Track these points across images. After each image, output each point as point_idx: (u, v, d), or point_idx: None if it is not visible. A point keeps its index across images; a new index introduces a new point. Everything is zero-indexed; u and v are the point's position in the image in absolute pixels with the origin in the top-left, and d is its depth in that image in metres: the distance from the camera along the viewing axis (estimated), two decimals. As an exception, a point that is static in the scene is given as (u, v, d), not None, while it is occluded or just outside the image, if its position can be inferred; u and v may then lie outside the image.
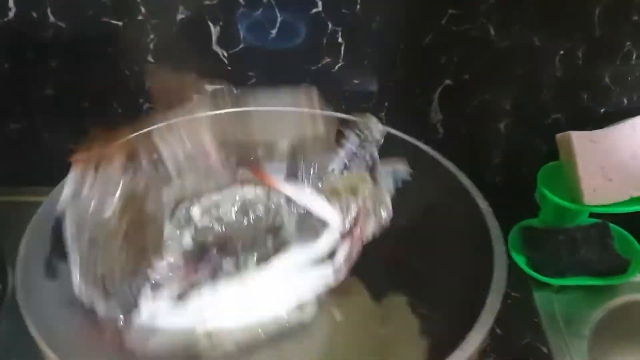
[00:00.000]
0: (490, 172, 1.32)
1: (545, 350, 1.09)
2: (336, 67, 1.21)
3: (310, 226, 0.82)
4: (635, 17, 1.12)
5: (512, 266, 1.19)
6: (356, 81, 1.21)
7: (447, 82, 1.21)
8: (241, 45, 1.19)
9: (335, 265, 0.81)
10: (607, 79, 1.19)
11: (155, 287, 0.75)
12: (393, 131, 0.98)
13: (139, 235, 0.77)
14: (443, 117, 1.24)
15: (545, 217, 1.26)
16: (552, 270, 1.18)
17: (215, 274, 0.77)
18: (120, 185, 0.77)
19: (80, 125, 0.97)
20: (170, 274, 0.75)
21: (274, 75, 1.22)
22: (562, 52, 1.16)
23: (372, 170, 0.91)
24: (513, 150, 1.28)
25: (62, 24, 1.16)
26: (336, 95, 1.22)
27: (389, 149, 0.96)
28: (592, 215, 1.24)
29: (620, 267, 1.18)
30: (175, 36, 1.18)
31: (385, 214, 0.87)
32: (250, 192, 0.82)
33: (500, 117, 1.24)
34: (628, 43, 1.15)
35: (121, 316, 0.74)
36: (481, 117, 1.24)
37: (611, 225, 1.24)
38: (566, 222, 1.23)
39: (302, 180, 0.85)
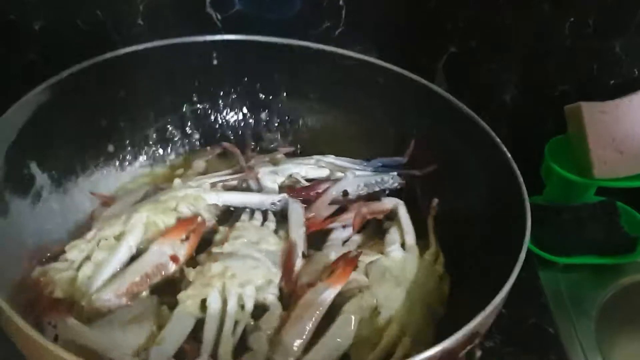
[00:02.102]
0: None
1: (551, 330, 1.04)
2: (336, 33, 1.15)
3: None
4: (650, -15, 1.05)
5: None
6: (357, 48, 1.15)
7: (452, 49, 1.15)
8: (236, 8, 1.12)
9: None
10: (617, 49, 1.12)
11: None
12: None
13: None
14: (448, 87, 1.18)
15: (550, 193, 1.21)
16: (557, 248, 1.14)
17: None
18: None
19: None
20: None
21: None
22: (572, 19, 1.10)
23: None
24: (518, 124, 1.22)
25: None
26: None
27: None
28: (598, 193, 1.20)
29: (627, 246, 1.15)
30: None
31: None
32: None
33: (506, 88, 1.19)
34: (641, 11, 1.08)
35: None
36: (487, 88, 1.19)
37: (618, 203, 1.19)
38: (572, 199, 1.18)
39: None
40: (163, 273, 0.82)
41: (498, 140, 0.94)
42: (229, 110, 1.18)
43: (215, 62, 1.11)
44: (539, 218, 1.12)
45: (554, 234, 1.15)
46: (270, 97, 1.17)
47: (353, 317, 0.78)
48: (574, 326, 1.08)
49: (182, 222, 0.88)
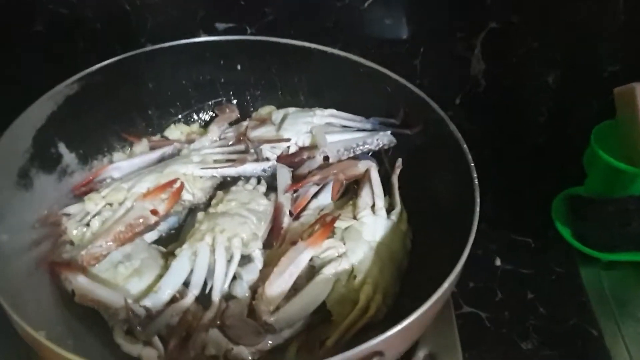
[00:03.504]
0: (534, 132, 1.18)
1: (594, 332, 0.99)
2: (365, 5, 1.07)
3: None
4: None
5: (556, 238, 1.11)
6: (387, 22, 1.09)
7: (492, 25, 1.07)
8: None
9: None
10: (676, 27, 1.03)
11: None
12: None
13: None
14: (486, 66, 1.11)
15: (593, 184, 1.12)
16: (601, 243, 1.08)
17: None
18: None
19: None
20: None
21: (293, 12, 1.09)
22: (629, -7, 1.01)
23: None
24: (561, 107, 1.14)
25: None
26: (364, 38, 1.10)
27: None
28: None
29: (677, 242, 1.07)
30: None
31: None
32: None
33: (549, 68, 1.10)
34: None
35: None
36: (528, 68, 1.11)
37: (668, 196, 1.10)
38: (618, 191, 1.08)
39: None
40: (145, 223, 0.93)
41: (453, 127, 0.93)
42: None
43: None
44: (580, 210, 1.13)
45: (596, 228, 1.09)
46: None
47: (329, 277, 0.87)
48: (619, 328, 1.00)
49: (162, 184, 0.98)
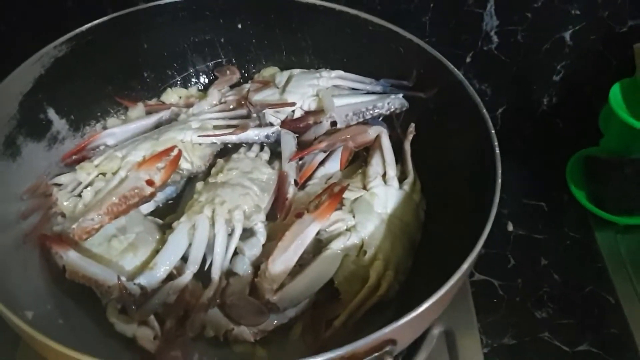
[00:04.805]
0: (548, 91, 1.10)
1: (611, 299, 0.94)
2: None
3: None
4: None
5: (571, 202, 1.07)
6: None
7: None
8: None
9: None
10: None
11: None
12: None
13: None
14: (499, 22, 1.02)
15: (609, 143, 1.08)
16: (617, 206, 1.04)
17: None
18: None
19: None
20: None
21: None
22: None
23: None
24: (577, 65, 1.06)
25: None
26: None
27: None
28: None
29: (699, 205, 1.05)
30: None
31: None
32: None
33: (567, 23, 1.01)
34: None
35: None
36: (544, 23, 1.02)
37: (687, 156, 1.05)
38: (634, 151, 1.04)
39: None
40: (140, 195, 0.86)
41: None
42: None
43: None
44: (596, 172, 1.08)
45: (613, 190, 1.05)
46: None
47: (337, 252, 0.81)
48: (637, 295, 0.95)
49: (158, 153, 0.92)
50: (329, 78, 1.02)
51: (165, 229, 0.87)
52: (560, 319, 0.91)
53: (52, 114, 0.93)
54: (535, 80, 1.09)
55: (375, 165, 0.93)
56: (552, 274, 0.97)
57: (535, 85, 1.08)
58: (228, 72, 1.08)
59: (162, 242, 0.83)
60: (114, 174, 0.90)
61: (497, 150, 0.77)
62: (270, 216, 0.89)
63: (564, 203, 1.05)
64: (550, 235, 1.01)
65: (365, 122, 0.99)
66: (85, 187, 0.90)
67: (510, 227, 1.02)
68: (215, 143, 0.98)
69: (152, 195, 0.88)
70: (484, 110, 0.80)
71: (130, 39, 1.00)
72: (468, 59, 1.06)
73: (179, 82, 1.08)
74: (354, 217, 0.85)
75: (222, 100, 1.05)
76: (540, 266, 0.97)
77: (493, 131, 0.79)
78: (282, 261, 0.77)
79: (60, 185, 0.90)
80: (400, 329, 0.60)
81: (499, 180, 0.73)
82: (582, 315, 0.91)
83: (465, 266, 0.65)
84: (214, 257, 0.81)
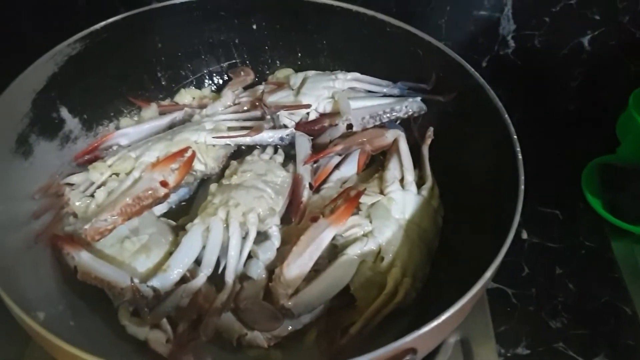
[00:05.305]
0: (565, 97, 1.10)
1: (628, 310, 0.92)
2: None
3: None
4: None
5: (587, 210, 1.05)
6: None
7: None
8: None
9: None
10: None
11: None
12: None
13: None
14: (517, 26, 1.02)
15: (626, 151, 1.06)
16: (634, 215, 1.02)
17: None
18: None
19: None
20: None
21: None
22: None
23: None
24: (595, 71, 1.06)
25: None
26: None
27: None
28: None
29: None
30: None
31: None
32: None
33: (585, 28, 1.01)
34: None
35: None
36: (562, 27, 1.01)
37: None
38: None
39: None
40: (154, 196, 0.85)
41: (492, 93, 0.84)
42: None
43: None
44: (612, 180, 1.06)
45: (629, 199, 1.03)
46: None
47: (353, 258, 0.80)
48: None
49: (173, 154, 0.91)
50: (345, 80, 1.01)
51: (179, 231, 0.86)
52: (575, 329, 0.89)
53: (65, 112, 0.92)
54: (551, 86, 1.08)
55: (392, 170, 0.92)
56: (567, 284, 0.95)
57: (551, 91, 1.07)
58: (242, 73, 1.07)
59: (175, 244, 0.83)
60: (128, 174, 0.90)
61: (520, 157, 0.76)
62: (285, 220, 0.88)
63: (579, 211, 1.03)
64: (565, 243, 1.00)
65: (382, 126, 0.98)
66: (98, 187, 0.89)
67: (524, 235, 1.00)
68: (229, 144, 0.97)
69: (166, 196, 0.87)
70: (506, 115, 0.78)
71: (144, 38, 0.99)
72: (484, 63, 1.05)
73: (192, 83, 1.07)
74: (370, 222, 0.84)
75: (236, 102, 1.04)
76: (554, 275, 0.95)
77: (515, 137, 0.78)
78: (297, 266, 0.76)
79: (72, 185, 0.89)
80: (422, 337, 0.60)
81: (522, 187, 0.72)
82: (597, 326, 0.90)
83: (488, 274, 0.64)
84: (227, 260, 0.80)
